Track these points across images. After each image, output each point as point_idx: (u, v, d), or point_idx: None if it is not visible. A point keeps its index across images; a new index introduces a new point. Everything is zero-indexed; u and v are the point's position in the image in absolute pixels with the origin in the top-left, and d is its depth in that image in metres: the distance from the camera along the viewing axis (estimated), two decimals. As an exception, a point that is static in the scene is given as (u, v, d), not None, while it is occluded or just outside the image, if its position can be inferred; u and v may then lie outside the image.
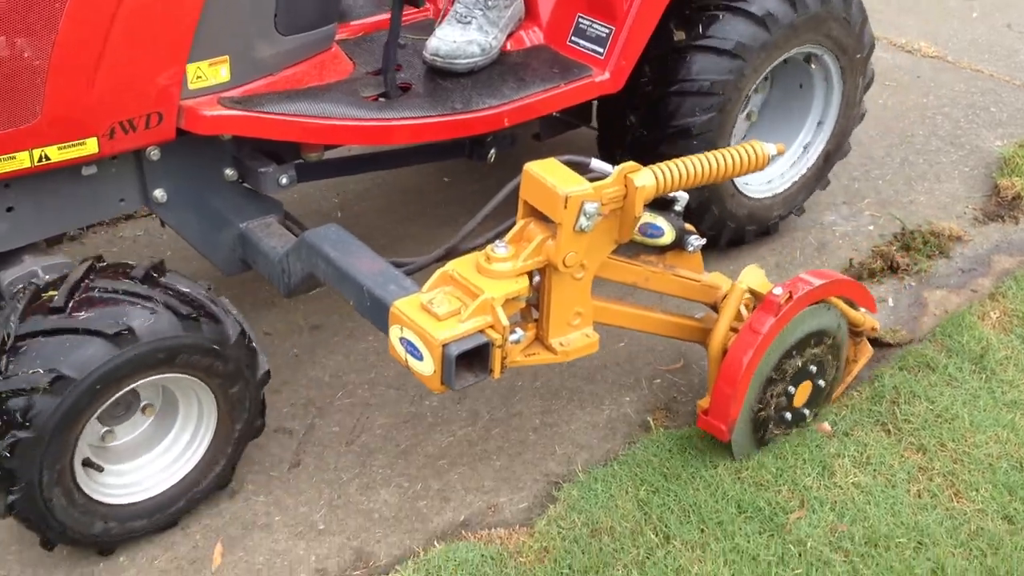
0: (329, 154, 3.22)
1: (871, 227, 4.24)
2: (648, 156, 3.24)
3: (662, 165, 2.60)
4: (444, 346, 2.33)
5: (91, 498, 2.60)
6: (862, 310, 3.09)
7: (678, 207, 2.79)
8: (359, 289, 2.59)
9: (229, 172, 2.96)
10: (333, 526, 2.87)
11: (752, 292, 2.89)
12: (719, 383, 2.82)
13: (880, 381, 3.33)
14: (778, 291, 2.76)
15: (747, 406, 2.86)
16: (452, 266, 2.50)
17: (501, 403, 3.28)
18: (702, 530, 2.82)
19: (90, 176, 2.72)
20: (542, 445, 3.14)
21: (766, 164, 2.78)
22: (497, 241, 2.50)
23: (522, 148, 3.87)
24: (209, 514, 2.86)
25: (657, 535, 2.80)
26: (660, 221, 2.76)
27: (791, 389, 2.95)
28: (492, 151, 3.40)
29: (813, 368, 2.97)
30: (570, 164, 2.61)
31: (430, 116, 2.99)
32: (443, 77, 3.17)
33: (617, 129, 3.52)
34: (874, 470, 3.00)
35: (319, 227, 2.85)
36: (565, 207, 2.41)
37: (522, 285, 2.47)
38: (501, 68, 3.24)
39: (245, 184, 3.00)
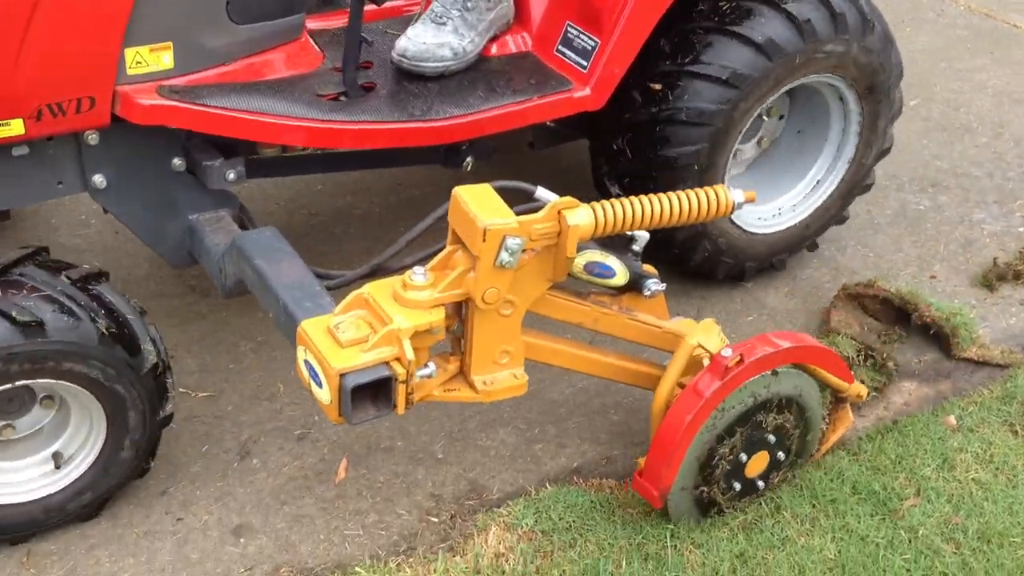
0: (292, 151, 3.07)
1: (1023, 228, 4.11)
2: (636, 186, 3.11)
3: (604, 203, 2.41)
4: (341, 376, 2.19)
5: None
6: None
7: (636, 247, 2.59)
8: (276, 302, 2.47)
9: (177, 162, 2.82)
10: (451, 457, 2.99)
11: (703, 348, 2.65)
12: (655, 445, 2.59)
13: (1013, 382, 3.27)
14: (727, 352, 2.50)
15: (688, 472, 2.60)
16: (368, 289, 2.34)
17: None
18: (813, 505, 2.83)
19: (21, 156, 2.61)
20: (661, 405, 3.18)
21: (729, 212, 2.55)
22: (416, 268, 2.34)
23: (515, 157, 3.76)
24: (337, 432, 3.01)
25: (767, 504, 2.82)
26: (611, 261, 2.55)
27: (743, 457, 2.67)
28: (469, 159, 3.17)
29: (772, 437, 2.68)
30: (511, 191, 2.44)
31: (383, 122, 2.81)
32: (411, 80, 2.98)
33: (605, 155, 3.30)
34: (996, 468, 2.96)
35: (254, 230, 2.74)
36: (484, 240, 2.24)
37: (436, 317, 2.29)
38: (475, 75, 3.03)
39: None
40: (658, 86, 3.09)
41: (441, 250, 2.42)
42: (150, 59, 2.58)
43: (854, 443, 3.04)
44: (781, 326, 3.54)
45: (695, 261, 3.43)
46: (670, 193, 2.49)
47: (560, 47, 3.08)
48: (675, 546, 2.70)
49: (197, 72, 2.67)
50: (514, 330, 2.48)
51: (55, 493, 2.61)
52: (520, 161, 3.96)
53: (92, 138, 2.65)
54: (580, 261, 2.51)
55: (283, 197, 4.03)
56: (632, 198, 2.45)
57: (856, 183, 3.63)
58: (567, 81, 3.02)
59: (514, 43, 3.19)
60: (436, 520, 2.81)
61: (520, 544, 2.70)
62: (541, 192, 2.53)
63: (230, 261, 2.69)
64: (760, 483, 2.76)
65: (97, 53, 2.48)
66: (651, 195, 2.47)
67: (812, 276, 3.80)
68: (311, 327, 2.28)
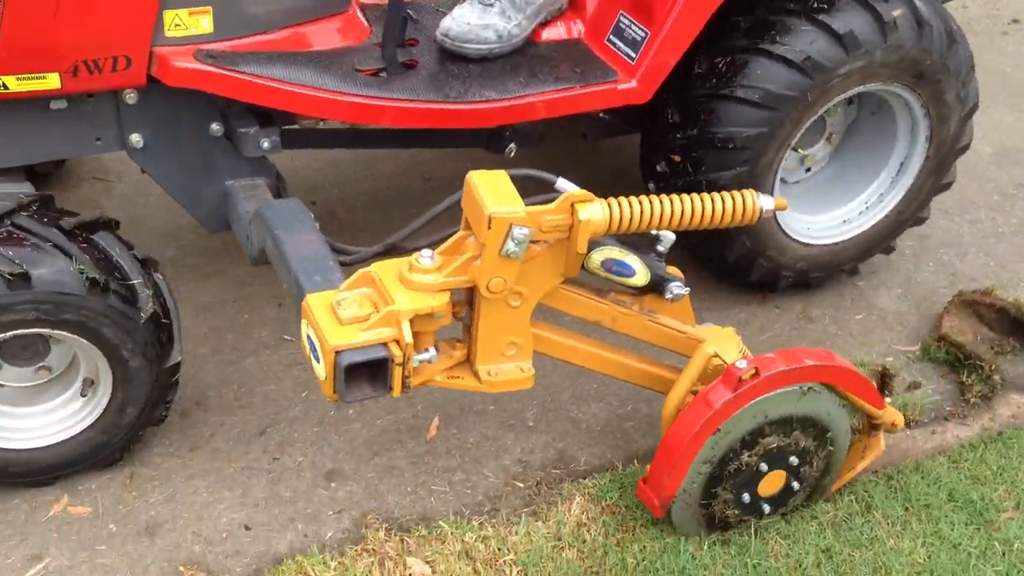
0: (330, 124, 3.05)
1: None
2: (682, 187, 2.99)
3: (621, 200, 2.33)
4: (337, 353, 2.17)
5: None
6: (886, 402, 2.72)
7: (661, 247, 2.50)
8: (288, 273, 2.46)
9: (215, 127, 2.83)
10: (542, 426, 3.02)
11: (720, 357, 2.56)
12: (659, 453, 2.51)
13: None
14: (742, 363, 2.40)
15: (695, 484, 2.52)
16: (376, 267, 2.32)
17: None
18: (906, 508, 2.78)
19: (60, 111, 2.66)
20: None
21: (755, 218, 2.45)
22: (425, 250, 2.30)
23: (567, 146, 3.68)
24: (431, 392, 3.05)
25: (858, 502, 2.78)
26: (631, 260, 2.47)
27: (757, 472, 2.56)
28: (512, 146, 3.10)
29: (791, 458, 2.57)
30: (533, 180, 2.39)
31: (417, 101, 2.76)
32: (453, 60, 2.94)
33: (650, 162, 3.22)
34: (1106, 493, 2.84)
35: (279, 200, 2.74)
36: (489, 227, 2.20)
37: (439, 302, 2.26)
38: (519, 59, 2.97)
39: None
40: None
41: (454, 234, 2.38)
42: (189, 22, 2.59)
43: (955, 451, 2.96)
44: (891, 327, 3.48)
45: (755, 277, 3.35)
46: (693, 195, 2.41)
47: (611, 36, 3.00)
48: (760, 534, 2.67)
49: (237, 38, 2.68)
50: (522, 322, 2.43)
51: (78, 435, 2.67)
52: (572, 152, 3.91)
53: (130, 97, 2.69)
54: (598, 257, 2.44)
55: (315, 169, 4.05)
56: (651, 197, 2.37)
57: (932, 182, 3.45)
58: (613, 72, 2.94)
59: (565, 29, 3.11)
60: (521, 485, 2.85)
61: (603, 516, 2.73)
62: (562, 183, 2.45)
63: (255, 229, 2.71)
64: (766, 506, 2.63)
65: (135, 13, 2.50)
66: (672, 195, 2.39)
67: (928, 280, 3.71)
68: (315, 301, 2.28)
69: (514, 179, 2.33)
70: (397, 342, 2.21)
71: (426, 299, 2.25)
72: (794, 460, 2.57)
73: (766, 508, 2.63)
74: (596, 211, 2.28)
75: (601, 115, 3.19)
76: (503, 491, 2.84)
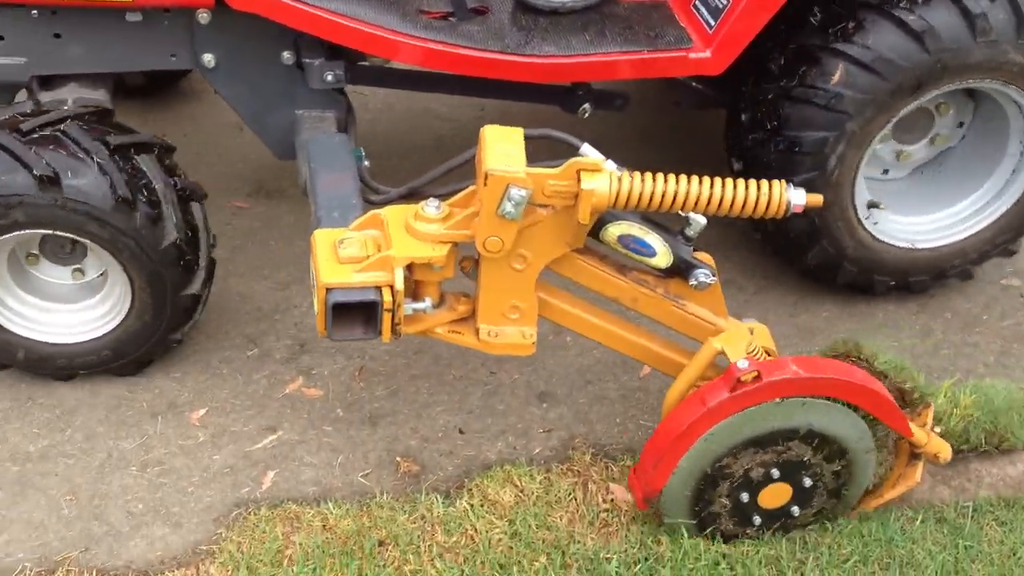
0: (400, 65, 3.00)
1: None
2: (755, 165, 2.92)
3: (634, 175, 2.20)
4: (327, 291, 2.20)
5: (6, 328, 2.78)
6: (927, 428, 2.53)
7: (690, 231, 2.36)
8: (312, 206, 2.50)
9: (287, 55, 2.87)
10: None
11: (725, 354, 2.39)
12: (648, 445, 2.40)
13: None
14: (743, 364, 2.25)
15: (686, 483, 2.38)
16: (387, 211, 2.31)
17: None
18: None
19: (135, 23, 2.76)
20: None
21: (782, 212, 2.26)
22: (432, 199, 2.27)
23: (660, 113, 3.54)
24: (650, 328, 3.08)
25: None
26: (652, 239, 2.35)
27: (751, 485, 2.41)
28: (586, 106, 3.04)
29: (798, 472, 2.41)
30: (549, 140, 2.32)
31: (475, 48, 2.71)
32: (526, 12, 2.87)
33: (732, 127, 3.08)
34: None
35: (325, 134, 2.76)
36: (485, 184, 2.14)
37: (437, 253, 2.23)
38: (593, 16, 2.87)
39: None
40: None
41: (469, 187, 2.33)
42: None
43: None
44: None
45: (810, 260, 3.13)
46: (717, 179, 2.26)
47: (697, 2, 2.87)
48: (975, 517, 2.58)
49: (305, -32, 2.71)
50: (526, 286, 2.36)
51: (96, 339, 2.81)
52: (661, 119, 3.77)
53: (203, 17, 2.75)
54: (615, 231, 2.34)
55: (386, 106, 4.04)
56: (669, 176, 2.23)
57: None
58: (688, 40, 2.82)
59: (656, -10, 3.00)
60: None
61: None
62: (587, 149, 2.32)
63: (300, 159, 2.75)
64: (782, 516, 2.48)
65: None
66: (693, 177, 2.25)
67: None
68: (321, 237, 2.30)
69: (537, 139, 2.29)
70: (390, 288, 2.22)
71: (425, 248, 2.24)
72: (802, 475, 2.41)
73: (762, 519, 2.47)
74: (601, 182, 2.17)
75: (694, 84, 3.07)
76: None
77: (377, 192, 2.74)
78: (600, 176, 2.16)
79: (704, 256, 2.43)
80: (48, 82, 2.85)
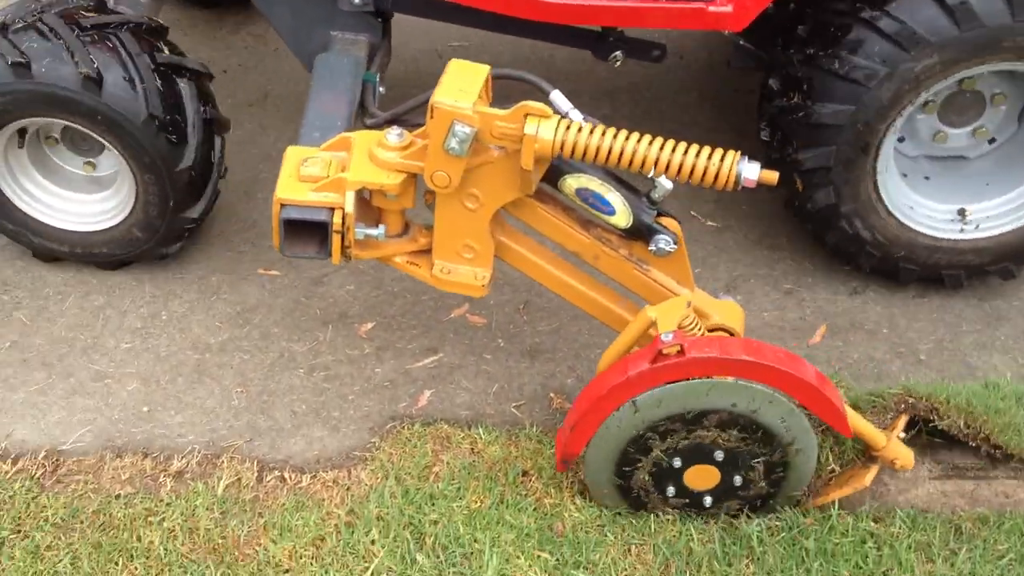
0: None
1: None
2: (780, 169, 2.69)
3: (582, 126, 2.10)
4: (281, 206, 2.24)
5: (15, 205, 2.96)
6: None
7: (655, 195, 2.26)
8: (302, 121, 2.59)
9: None
10: (932, 360, 2.85)
11: (655, 324, 2.26)
12: (572, 407, 2.33)
13: None
14: (667, 337, 2.13)
15: (607, 453, 2.31)
16: (356, 135, 2.31)
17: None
18: None
19: None
20: None
21: (732, 185, 2.10)
22: (395, 128, 2.24)
23: (712, 72, 3.35)
24: (826, 300, 3.04)
25: None
26: (612, 197, 2.26)
27: (676, 462, 2.32)
28: (617, 55, 3.02)
29: (720, 454, 2.30)
30: (521, 81, 2.28)
31: None
32: None
33: (763, 91, 2.91)
34: None
35: (336, 53, 2.80)
36: (431, 116, 2.09)
37: (390, 181, 2.21)
38: None
39: None
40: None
41: None
42: None
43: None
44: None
45: (831, 239, 2.95)
46: (670, 142, 2.12)
47: None
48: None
49: None
50: (479, 226, 2.31)
51: (104, 230, 2.98)
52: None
53: None
54: (573, 183, 2.28)
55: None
56: (620, 132, 2.11)
57: None
58: None
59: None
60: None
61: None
62: (556, 96, 2.25)
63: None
64: (708, 499, 2.39)
65: None
66: (646, 136, 2.12)
67: None
68: (292, 153, 2.34)
69: (505, 79, 2.26)
70: (341, 210, 2.23)
71: (377, 175, 2.23)
72: (731, 461, 2.31)
73: (686, 498, 2.40)
74: (546, 129, 2.08)
75: (740, 41, 2.95)
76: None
77: (373, 117, 2.75)
78: (546, 123, 2.09)
79: (670, 222, 2.33)
80: None
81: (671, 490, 2.37)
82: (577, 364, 2.85)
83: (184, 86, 2.81)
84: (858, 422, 2.38)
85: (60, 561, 2.35)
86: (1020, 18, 2.51)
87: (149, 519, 2.44)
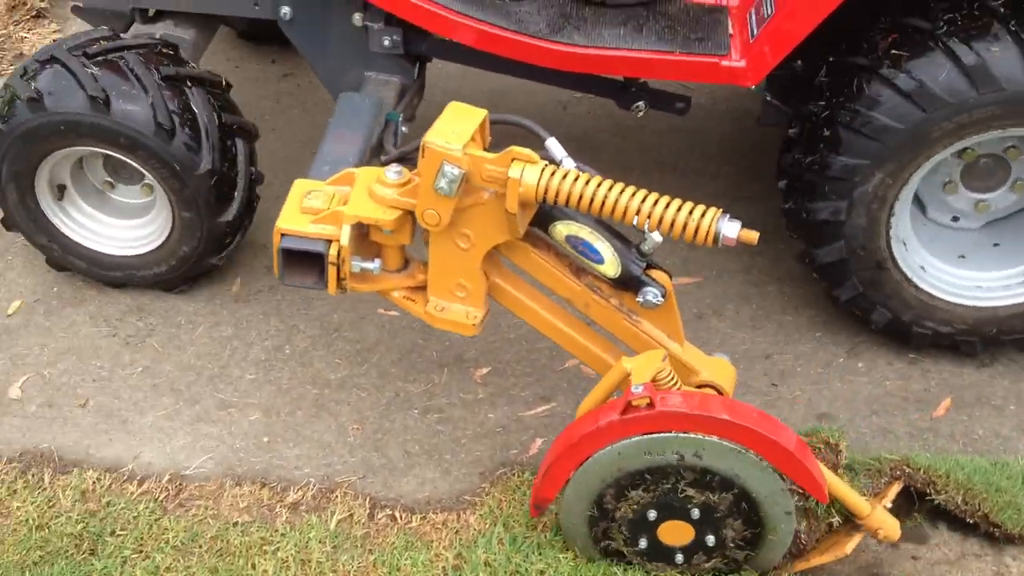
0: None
1: None
2: (795, 221, 2.86)
3: (564, 172, 2.15)
4: (281, 235, 2.30)
5: (47, 218, 3.08)
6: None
7: (644, 247, 2.27)
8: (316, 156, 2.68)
9: (357, 17, 2.97)
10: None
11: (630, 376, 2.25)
12: (546, 455, 2.36)
13: None
14: (637, 389, 2.15)
15: (581, 500, 2.33)
16: (361, 171, 2.37)
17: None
18: None
19: None
20: None
21: (711, 242, 2.11)
22: (394, 165, 2.30)
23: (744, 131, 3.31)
24: (956, 370, 2.98)
25: None
26: (602, 246, 2.27)
27: (649, 515, 2.31)
28: (640, 104, 3.05)
29: (693, 511, 2.28)
30: (519, 127, 2.37)
31: (506, 30, 2.78)
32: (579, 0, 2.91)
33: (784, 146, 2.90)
34: None
35: (359, 94, 2.89)
36: (422, 156, 2.14)
37: (385, 217, 2.26)
38: (640, 12, 2.90)
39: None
40: None
41: None
42: None
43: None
44: None
45: (875, 324, 2.91)
46: (652, 195, 2.15)
47: (753, 9, 2.76)
48: None
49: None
50: (471, 266, 2.34)
51: (144, 255, 3.12)
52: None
53: None
54: (563, 230, 2.30)
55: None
56: (604, 181, 2.15)
57: None
58: (726, 47, 2.74)
59: (732, -6, 2.92)
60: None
61: None
62: (552, 143, 2.29)
63: None
64: (680, 555, 2.36)
65: None
66: (630, 188, 2.15)
67: None
68: (298, 186, 2.40)
69: (503, 124, 2.33)
70: (337, 242, 2.29)
71: (374, 210, 2.27)
72: (705, 519, 2.30)
73: (679, 558, 2.37)
74: (531, 173, 2.13)
75: (768, 98, 2.94)
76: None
77: (387, 154, 2.80)
78: (531, 168, 2.13)
79: (660, 275, 2.33)
80: (146, 16, 3.16)
81: (644, 543, 2.37)
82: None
83: (197, 95, 2.94)
84: (840, 488, 2.35)
85: (178, 583, 2.43)
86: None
87: (264, 548, 2.50)
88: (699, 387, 2.37)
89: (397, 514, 2.61)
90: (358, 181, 2.34)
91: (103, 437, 2.81)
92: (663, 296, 2.30)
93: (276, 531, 2.55)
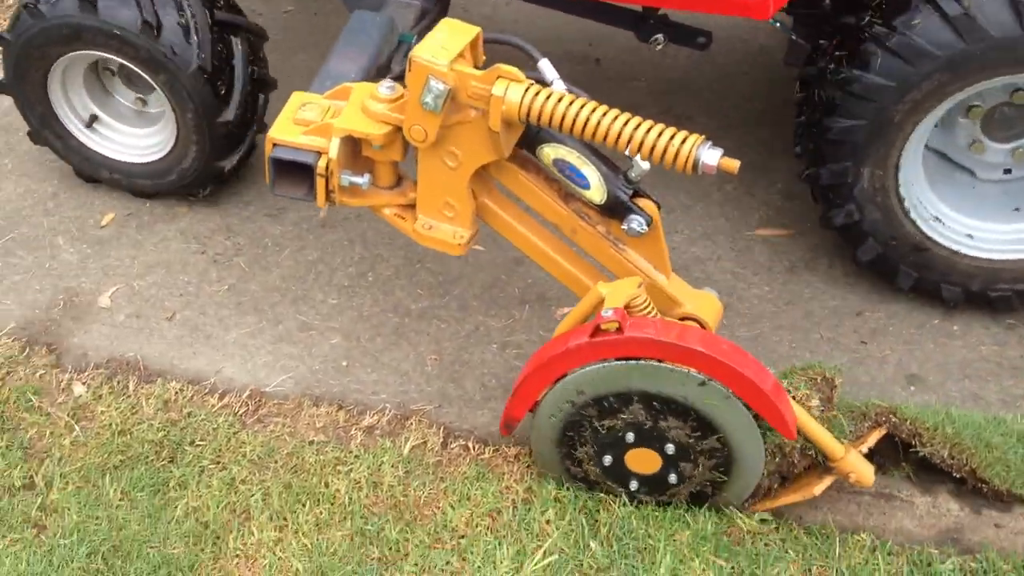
0: None
1: None
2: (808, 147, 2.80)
3: (548, 93, 2.11)
4: (273, 144, 2.30)
5: (68, 130, 3.22)
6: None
7: (632, 174, 2.23)
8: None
9: None
10: None
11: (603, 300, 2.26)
12: (519, 376, 2.36)
13: None
14: (607, 313, 2.15)
15: (550, 423, 2.34)
16: (357, 86, 2.35)
17: None
18: None
19: None
20: None
21: (689, 169, 2.06)
22: (386, 80, 2.26)
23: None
24: None
25: None
26: (588, 171, 2.24)
27: (617, 441, 2.31)
28: (659, 37, 3.02)
29: (662, 441, 2.28)
30: (510, 46, 2.31)
31: None
32: None
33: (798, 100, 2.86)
34: None
35: (371, 12, 2.81)
36: (409, 70, 2.11)
37: (375, 131, 2.24)
38: None
39: None
40: None
41: None
42: None
43: None
44: None
45: (902, 284, 2.87)
46: (635, 119, 2.09)
47: None
48: None
49: None
50: (458, 186, 2.32)
51: (154, 162, 3.22)
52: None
53: None
54: (551, 153, 2.26)
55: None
56: (586, 103, 2.11)
57: None
58: None
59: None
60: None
61: None
62: (544, 64, 2.27)
63: None
64: (647, 484, 2.37)
65: None
66: (613, 110, 2.10)
67: None
68: (296, 98, 2.39)
69: (495, 43, 2.29)
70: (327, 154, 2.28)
71: (363, 124, 2.26)
72: (669, 447, 2.28)
73: (634, 484, 2.38)
74: (513, 91, 2.09)
75: (794, 37, 2.91)
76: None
77: (391, 73, 2.71)
78: (515, 86, 2.09)
79: (647, 204, 2.27)
80: None
81: (611, 470, 2.38)
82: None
83: (237, 44, 3.00)
84: (813, 428, 2.29)
85: (252, 496, 2.47)
86: None
87: (338, 468, 2.52)
88: (682, 319, 2.36)
89: (470, 445, 2.61)
90: (353, 96, 2.35)
91: (187, 350, 2.87)
92: (648, 224, 2.28)
93: (350, 452, 2.57)
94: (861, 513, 2.46)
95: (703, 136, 2.08)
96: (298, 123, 2.33)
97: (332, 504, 2.44)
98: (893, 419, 2.45)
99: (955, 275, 2.80)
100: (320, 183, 2.31)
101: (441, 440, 2.62)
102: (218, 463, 2.56)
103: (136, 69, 2.99)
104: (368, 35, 2.80)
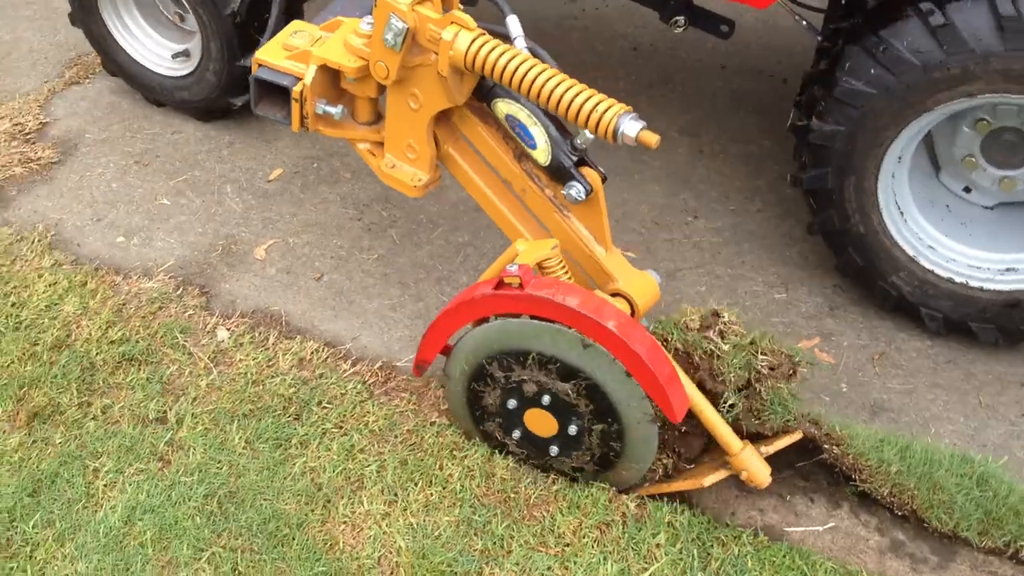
0: None
1: None
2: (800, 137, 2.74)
3: (493, 45, 2.15)
4: (257, 64, 2.39)
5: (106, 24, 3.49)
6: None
7: (577, 141, 2.25)
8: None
9: None
10: None
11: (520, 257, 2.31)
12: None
13: None
14: (512, 267, 2.21)
15: (458, 378, 2.42)
16: (349, 21, 2.40)
17: None
18: None
19: None
20: None
21: (610, 137, 2.09)
22: (368, 17, 2.28)
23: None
24: None
25: None
26: (537, 132, 2.28)
27: (512, 402, 2.36)
28: (679, 19, 3.02)
29: (562, 410, 2.31)
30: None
31: None
32: None
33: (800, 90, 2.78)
34: None
35: None
36: (376, 7, 2.17)
37: (348, 64, 2.32)
38: None
39: None
40: None
41: None
42: None
43: None
44: None
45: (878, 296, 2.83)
46: (568, 81, 2.13)
47: None
48: None
49: None
50: (419, 128, 2.38)
51: (183, 77, 3.45)
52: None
53: None
54: (503, 108, 2.31)
55: None
56: (527, 60, 2.15)
57: None
58: None
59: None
60: None
61: None
62: (511, 20, 2.34)
63: None
64: (553, 448, 2.38)
65: None
66: (550, 70, 2.15)
67: None
68: (293, 25, 2.47)
69: None
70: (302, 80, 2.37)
71: (339, 55, 2.34)
72: (567, 416, 2.31)
73: (523, 439, 2.42)
74: (462, 38, 2.15)
75: (804, 23, 2.97)
76: None
77: None
78: (466, 33, 2.12)
79: (591, 173, 2.27)
80: None
81: (514, 429, 2.41)
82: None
83: None
84: (714, 421, 2.29)
85: (368, 466, 2.48)
86: (1011, 46, 2.30)
87: (454, 452, 2.51)
88: (612, 295, 2.34)
89: (590, 453, 2.56)
90: (340, 29, 2.45)
91: (329, 312, 2.91)
92: (586, 194, 2.30)
93: (469, 440, 2.56)
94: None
95: (629, 107, 2.10)
96: (286, 48, 2.45)
97: (444, 488, 2.43)
98: (815, 431, 2.38)
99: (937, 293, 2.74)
100: (295, 107, 2.43)
101: (562, 443, 2.57)
102: (340, 428, 2.58)
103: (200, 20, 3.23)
104: None
